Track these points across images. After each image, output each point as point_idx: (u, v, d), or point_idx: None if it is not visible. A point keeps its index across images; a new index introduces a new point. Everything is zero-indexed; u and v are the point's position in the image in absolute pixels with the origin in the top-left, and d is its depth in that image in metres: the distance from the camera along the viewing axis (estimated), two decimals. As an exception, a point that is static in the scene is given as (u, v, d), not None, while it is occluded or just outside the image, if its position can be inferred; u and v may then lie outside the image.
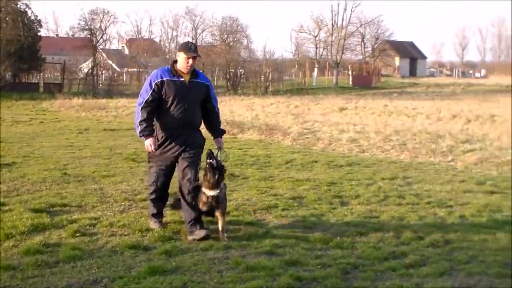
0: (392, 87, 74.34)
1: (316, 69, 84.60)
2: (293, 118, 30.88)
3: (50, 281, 7.36)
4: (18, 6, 53.32)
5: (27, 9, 54.09)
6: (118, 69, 68.66)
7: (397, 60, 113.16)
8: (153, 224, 9.84)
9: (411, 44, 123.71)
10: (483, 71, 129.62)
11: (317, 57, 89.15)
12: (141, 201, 11.75)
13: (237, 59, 68.78)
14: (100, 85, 57.71)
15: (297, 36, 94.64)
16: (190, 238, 9.13)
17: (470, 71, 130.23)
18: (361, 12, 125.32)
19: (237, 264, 8.05)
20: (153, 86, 9.22)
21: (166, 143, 9.42)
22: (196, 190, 9.38)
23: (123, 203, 11.57)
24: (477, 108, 39.40)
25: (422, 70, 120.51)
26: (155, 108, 9.31)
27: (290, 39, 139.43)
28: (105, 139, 22.01)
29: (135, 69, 68.04)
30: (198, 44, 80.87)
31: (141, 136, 9.39)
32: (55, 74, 58.36)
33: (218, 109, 10.01)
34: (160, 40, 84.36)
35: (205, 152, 9.64)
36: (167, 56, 74.25)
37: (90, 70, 61.24)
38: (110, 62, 69.08)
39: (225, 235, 9.21)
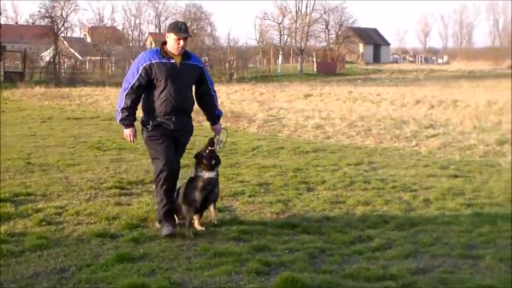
0: (357, 74, 74.66)
1: (280, 56, 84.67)
2: (259, 105, 30.94)
3: (16, 270, 7.33)
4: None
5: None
6: (80, 57, 68.27)
7: (361, 47, 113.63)
8: (166, 230, 8.69)
9: (375, 31, 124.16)
10: (446, 57, 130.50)
11: (282, 44, 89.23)
12: (107, 189, 11.73)
13: (201, 46, 68.65)
14: (63, 74, 57.37)
15: (261, 23, 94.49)
16: (157, 225, 8.96)
17: (433, 57, 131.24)
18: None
19: (205, 251, 8.09)
20: (140, 70, 8.42)
21: (158, 129, 8.61)
22: (187, 182, 8.95)
23: (88, 192, 11.54)
24: (440, 93, 39.71)
25: (386, 56, 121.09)
26: (140, 95, 8.62)
27: (254, 27, 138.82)
28: (69, 128, 21.92)
29: (98, 58, 67.76)
30: (161, 32, 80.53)
31: (121, 124, 8.74)
32: (16, 62, 57.98)
33: (214, 91, 9.27)
34: (123, 28, 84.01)
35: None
36: (130, 44, 73.98)
37: (52, 59, 60.78)
38: (72, 50, 68.66)
39: (217, 216, 9.13)
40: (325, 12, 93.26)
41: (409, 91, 41.95)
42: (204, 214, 9.63)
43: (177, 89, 8.53)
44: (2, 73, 53.82)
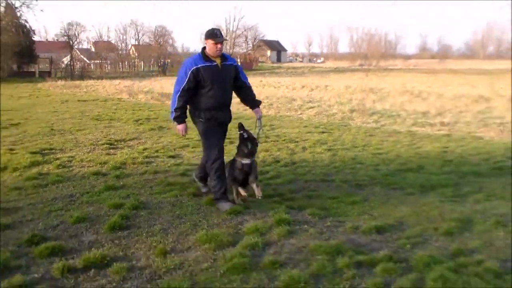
0: (265, 69, 74.51)
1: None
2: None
3: (42, 196, 7.30)
4: (20, 21, 51.95)
5: (25, 23, 52.79)
6: (87, 61, 66.64)
7: (268, 52, 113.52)
8: (227, 205, 6.89)
9: (277, 42, 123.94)
10: (322, 59, 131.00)
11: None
12: (101, 145, 11.56)
13: (165, 53, 68.01)
14: (76, 72, 56.01)
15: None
16: (218, 204, 6.91)
17: (314, 59, 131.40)
18: (245, 21, 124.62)
19: (162, 182, 8.12)
20: (189, 75, 6.79)
21: (211, 122, 7.03)
22: (230, 163, 7.36)
23: (89, 147, 11.32)
24: (317, 81, 39.92)
25: (285, 58, 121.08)
26: (189, 96, 6.90)
27: (200, 39, 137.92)
28: (79, 106, 21.37)
29: (98, 61, 66.52)
30: (140, 44, 79.25)
31: (174, 121, 7.10)
32: (46, 65, 56.52)
33: (249, 83, 7.48)
34: (115, 42, 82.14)
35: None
36: (119, 52, 72.52)
37: (69, 62, 59.56)
38: (82, 56, 67.04)
39: (260, 193, 7.01)
40: (245, 30, 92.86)
41: (298, 80, 42.05)
42: (159, 159, 9.60)
43: (221, 87, 6.95)
44: (37, 72, 52.66)
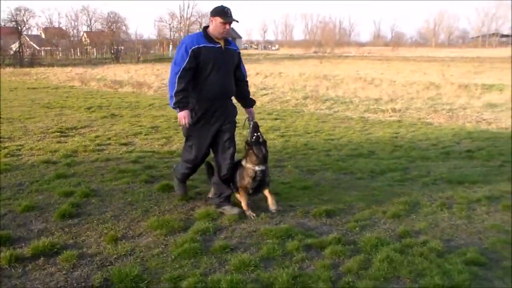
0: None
1: (171, 46, 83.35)
2: (155, 77, 30.42)
3: (-12, 186, 7.15)
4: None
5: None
6: (37, 48, 65.19)
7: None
8: (180, 191, 6.62)
9: (232, 29, 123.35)
10: (277, 46, 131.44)
11: (172, 38, 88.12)
12: (52, 133, 11.38)
13: (118, 39, 67.02)
14: (25, 59, 54.77)
15: (159, 24, 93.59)
16: (218, 210, 6.09)
17: (269, 46, 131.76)
18: (199, 8, 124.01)
19: (113, 169, 8.05)
20: (190, 53, 5.75)
21: (207, 116, 6.01)
22: (235, 167, 6.26)
23: (39, 135, 11.15)
24: (271, 68, 40.07)
25: (239, 45, 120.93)
26: (191, 77, 5.84)
27: (154, 26, 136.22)
28: (28, 94, 20.98)
29: (49, 48, 65.18)
30: (92, 30, 77.94)
31: (175, 108, 5.92)
32: (-7, 52, 55.44)
33: (247, 78, 6.52)
34: (66, 28, 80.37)
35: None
36: (71, 39, 71.18)
37: (18, 49, 58.23)
38: (31, 43, 65.56)
39: (275, 206, 6.07)
40: (199, 17, 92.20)
41: (253, 67, 42.06)
42: (111, 146, 9.53)
43: (223, 73, 5.96)
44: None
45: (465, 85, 23.15)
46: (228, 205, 6.10)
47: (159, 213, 6.01)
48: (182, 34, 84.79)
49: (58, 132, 11.52)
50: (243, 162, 6.12)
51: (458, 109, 16.37)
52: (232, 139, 6.25)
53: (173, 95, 5.80)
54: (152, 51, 76.41)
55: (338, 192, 7.06)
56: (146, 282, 4.28)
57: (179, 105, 5.80)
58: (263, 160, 6.04)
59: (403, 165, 8.78)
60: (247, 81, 6.47)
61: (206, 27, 5.99)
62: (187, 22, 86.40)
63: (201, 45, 5.79)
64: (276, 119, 13.97)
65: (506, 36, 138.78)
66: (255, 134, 6.06)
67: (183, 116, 5.84)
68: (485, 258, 4.77)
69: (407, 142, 10.96)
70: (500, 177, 7.91)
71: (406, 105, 17.16)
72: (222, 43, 5.94)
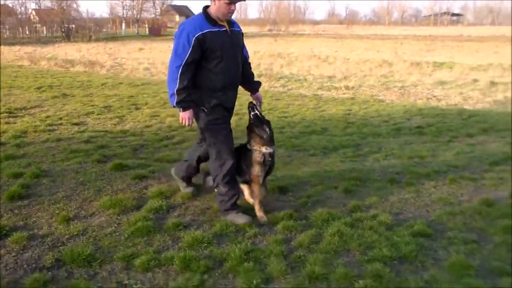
0: (173, 35, 73.47)
1: (124, 24, 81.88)
2: (108, 56, 29.87)
3: None
4: None
5: None
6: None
7: (177, 17, 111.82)
8: (244, 217, 5.20)
9: (186, 7, 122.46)
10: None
11: (125, 16, 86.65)
12: (1, 113, 11.04)
13: (69, 18, 65.38)
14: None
15: (111, 2, 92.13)
16: (228, 217, 5.23)
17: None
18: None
19: (65, 149, 7.94)
20: (193, 42, 4.90)
21: (218, 111, 5.20)
22: (243, 154, 5.43)
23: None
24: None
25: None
26: (194, 71, 5.03)
27: (106, 5, 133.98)
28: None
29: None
30: (41, 8, 75.89)
31: (178, 107, 5.10)
32: None
33: (249, 58, 5.75)
34: (12, 5, 78.05)
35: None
36: (19, 17, 69.04)
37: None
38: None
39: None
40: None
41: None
42: (62, 127, 9.38)
43: (233, 59, 5.20)
44: None
45: (417, 63, 23.55)
46: (235, 211, 5.25)
47: (111, 192, 5.99)
48: (135, 12, 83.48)
49: (6, 112, 11.21)
50: (248, 146, 5.39)
51: (410, 86, 16.66)
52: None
53: (175, 92, 5.02)
54: (104, 30, 74.89)
55: (291, 168, 7.16)
56: (98, 261, 4.29)
57: (183, 105, 5.05)
58: (270, 141, 5.32)
59: (355, 141, 8.94)
60: (249, 63, 5.69)
61: (206, 7, 5.17)
62: (140, 1, 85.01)
63: (205, 31, 4.97)
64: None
65: (457, 15, 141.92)
66: (253, 112, 5.35)
67: (186, 117, 5.11)
68: (431, 229, 4.95)
69: (359, 119, 11.13)
70: (449, 152, 8.14)
71: (359, 83, 17.37)
72: (226, 25, 5.15)
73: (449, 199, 5.87)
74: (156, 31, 72.71)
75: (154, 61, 25.97)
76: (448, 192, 6.15)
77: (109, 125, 10.07)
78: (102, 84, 17.01)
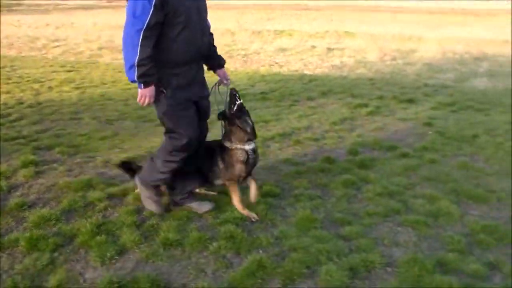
0: (2, 7, 69.00)
1: None
2: None
3: None
4: None
5: None
6: None
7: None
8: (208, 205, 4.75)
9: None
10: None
11: None
12: None
13: None
14: None
15: None
16: (193, 205, 4.71)
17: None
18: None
19: None
20: (154, 0, 3.85)
21: (182, 93, 4.26)
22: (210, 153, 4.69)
23: None
24: (63, 19, 38.03)
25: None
26: (156, 37, 3.98)
27: None
28: None
29: None
30: None
31: (139, 82, 3.97)
32: None
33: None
34: None
35: None
36: None
37: None
38: None
39: (256, 198, 4.75)
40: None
41: (41, 18, 39.52)
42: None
43: (201, 27, 4.26)
44: None
45: (258, 31, 24.12)
46: (195, 201, 4.75)
47: None
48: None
49: None
50: (227, 144, 4.61)
51: (253, 54, 17.06)
52: (205, 124, 4.73)
53: (135, 63, 3.91)
54: None
55: (138, 139, 7.11)
56: None
57: (146, 79, 3.99)
58: (253, 134, 4.60)
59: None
60: (212, 33, 4.66)
61: None
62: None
63: None
64: (70, 71, 13.39)
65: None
66: (236, 101, 4.51)
67: (147, 95, 4.06)
68: (279, 189, 5.20)
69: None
70: (292, 115, 8.51)
71: (203, 52, 17.48)
72: None
73: (294, 160, 6.18)
74: None
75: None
76: (293, 153, 6.46)
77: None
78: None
